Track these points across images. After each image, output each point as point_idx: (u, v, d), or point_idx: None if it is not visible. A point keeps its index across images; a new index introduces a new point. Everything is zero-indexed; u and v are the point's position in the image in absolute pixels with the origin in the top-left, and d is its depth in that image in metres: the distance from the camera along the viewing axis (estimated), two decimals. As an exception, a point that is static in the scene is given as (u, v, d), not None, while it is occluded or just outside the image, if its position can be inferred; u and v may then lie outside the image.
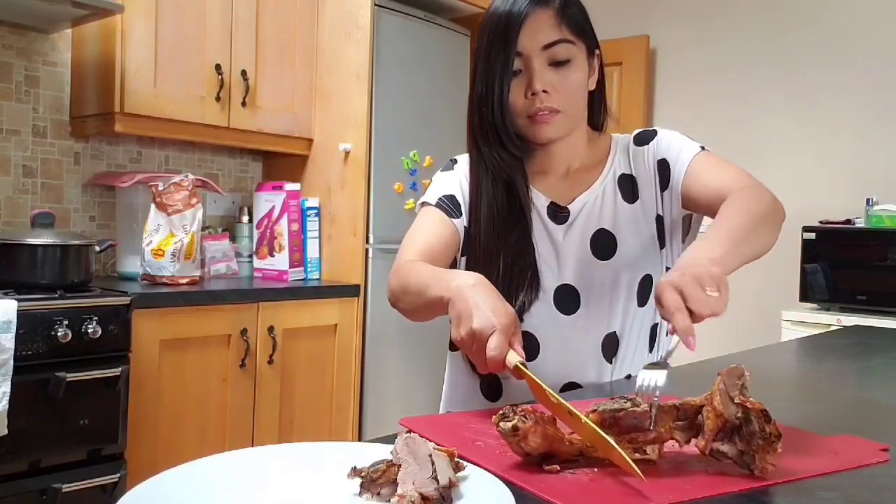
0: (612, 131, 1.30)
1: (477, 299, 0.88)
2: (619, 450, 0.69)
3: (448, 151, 3.01)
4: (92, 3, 2.14)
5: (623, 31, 4.03)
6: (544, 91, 1.11)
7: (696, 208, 1.19)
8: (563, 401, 0.75)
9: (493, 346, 0.84)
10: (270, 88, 2.74)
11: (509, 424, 0.70)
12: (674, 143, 1.20)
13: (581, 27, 1.14)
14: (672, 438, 0.75)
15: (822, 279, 3.16)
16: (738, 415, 0.71)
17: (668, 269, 1.21)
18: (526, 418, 0.70)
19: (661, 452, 0.75)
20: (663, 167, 1.20)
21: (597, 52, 1.19)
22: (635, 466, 0.67)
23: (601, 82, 1.22)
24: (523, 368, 0.83)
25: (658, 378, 0.79)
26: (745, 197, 1.05)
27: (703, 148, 1.19)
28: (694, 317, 0.82)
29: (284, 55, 2.79)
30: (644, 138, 1.24)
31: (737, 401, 0.72)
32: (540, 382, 0.80)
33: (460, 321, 0.88)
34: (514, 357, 0.84)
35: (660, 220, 1.20)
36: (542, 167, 1.23)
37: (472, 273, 0.97)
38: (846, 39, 3.57)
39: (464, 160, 1.27)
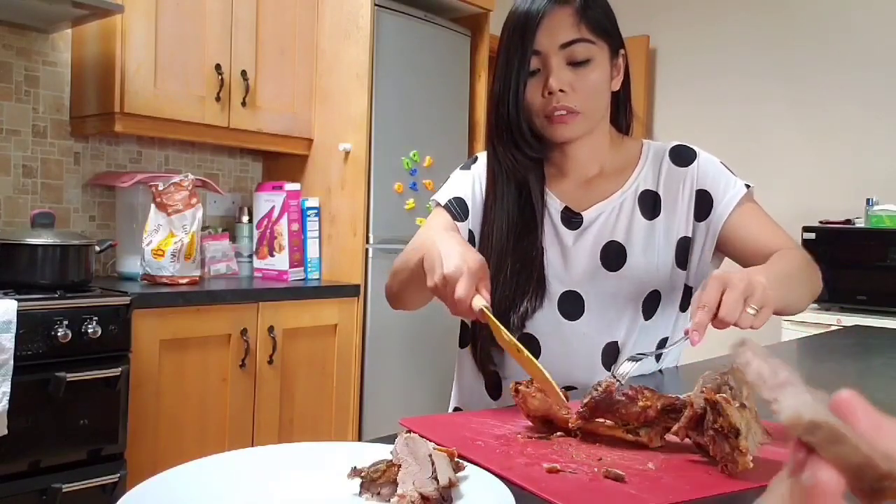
0: (637, 132, 1.27)
1: (447, 248, 0.94)
2: (548, 376, 0.83)
3: (448, 151, 3.04)
4: (92, 3, 2.13)
5: (622, 30, 4.03)
6: (561, 90, 1.09)
7: (732, 253, 1.17)
8: (513, 339, 0.88)
9: (460, 289, 0.89)
10: (270, 88, 2.74)
11: (515, 386, 0.86)
12: (719, 178, 1.17)
13: (603, 27, 1.12)
14: (666, 426, 0.79)
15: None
16: (702, 405, 0.74)
17: (688, 287, 1.20)
18: (529, 386, 0.86)
19: (651, 438, 0.79)
20: (703, 198, 1.17)
21: (622, 52, 1.17)
22: (561, 393, 0.82)
23: (626, 83, 1.21)
24: (486, 312, 0.89)
25: (627, 369, 0.88)
26: (798, 258, 1.08)
27: (747, 186, 1.17)
28: (717, 321, 0.85)
29: (284, 55, 2.79)
30: (683, 158, 1.20)
31: (699, 391, 0.76)
32: (498, 324, 0.88)
33: (433, 270, 0.93)
34: (480, 301, 0.90)
35: (685, 241, 1.18)
36: (560, 169, 1.22)
37: (443, 231, 1.03)
38: (847, 41, 3.57)
39: (484, 158, 1.26)
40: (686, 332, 0.85)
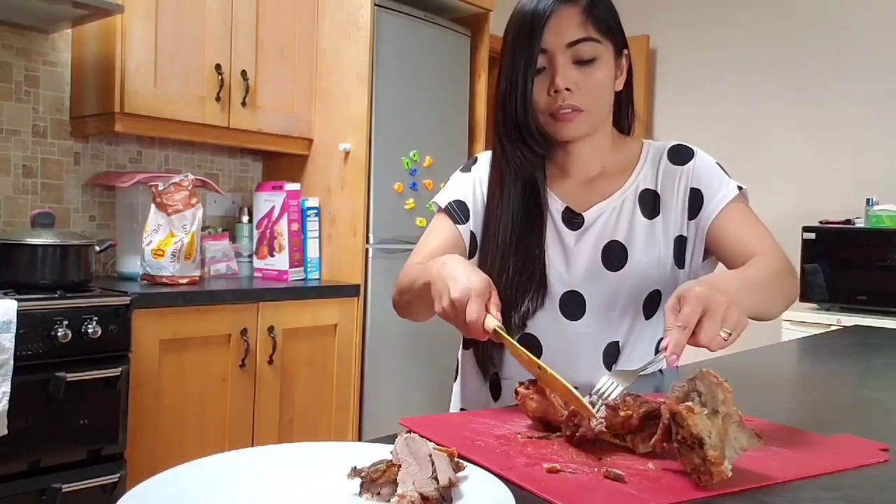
0: (638, 132, 1.27)
1: (452, 273, 0.94)
2: (577, 394, 0.79)
3: (448, 151, 3.04)
4: (92, 3, 2.13)
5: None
6: (567, 89, 1.10)
7: (718, 254, 1.17)
8: (533, 357, 0.86)
9: (470, 312, 0.90)
10: (270, 88, 2.74)
11: (516, 388, 0.89)
12: (713, 178, 1.18)
13: (608, 26, 1.13)
14: (651, 431, 0.77)
15: (822, 279, 3.16)
16: (668, 416, 0.72)
17: None
18: (528, 388, 0.87)
19: (635, 444, 0.78)
20: (696, 197, 1.17)
21: (625, 51, 1.18)
22: (590, 408, 0.78)
23: (629, 83, 1.21)
24: (500, 332, 0.89)
25: (613, 390, 0.84)
26: (773, 265, 1.07)
27: (740, 188, 1.17)
28: (693, 339, 0.84)
29: (284, 55, 2.79)
30: (681, 157, 1.21)
31: (663, 401, 0.74)
32: (514, 343, 0.88)
33: (441, 296, 0.94)
34: (492, 321, 0.90)
35: (681, 240, 1.18)
36: (562, 169, 1.23)
37: (445, 255, 1.03)
38: (847, 41, 3.58)
39: (484, 159, 1.27)
40: (663, 349, 0.82)
